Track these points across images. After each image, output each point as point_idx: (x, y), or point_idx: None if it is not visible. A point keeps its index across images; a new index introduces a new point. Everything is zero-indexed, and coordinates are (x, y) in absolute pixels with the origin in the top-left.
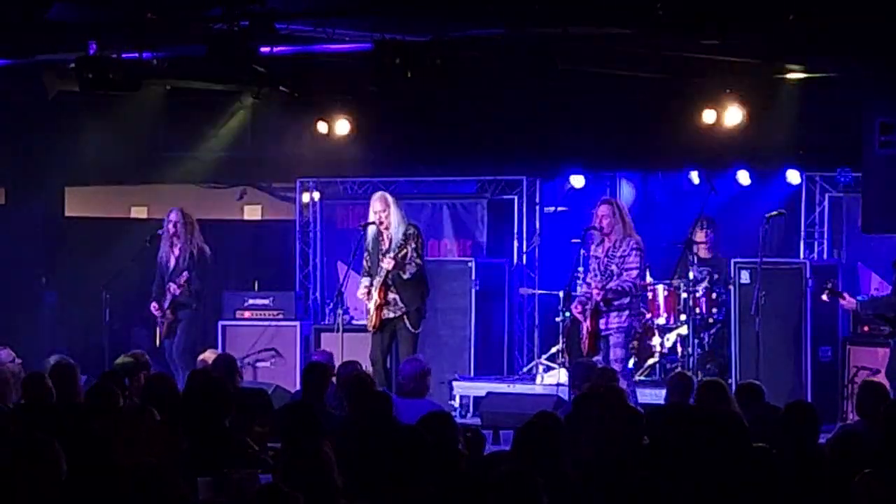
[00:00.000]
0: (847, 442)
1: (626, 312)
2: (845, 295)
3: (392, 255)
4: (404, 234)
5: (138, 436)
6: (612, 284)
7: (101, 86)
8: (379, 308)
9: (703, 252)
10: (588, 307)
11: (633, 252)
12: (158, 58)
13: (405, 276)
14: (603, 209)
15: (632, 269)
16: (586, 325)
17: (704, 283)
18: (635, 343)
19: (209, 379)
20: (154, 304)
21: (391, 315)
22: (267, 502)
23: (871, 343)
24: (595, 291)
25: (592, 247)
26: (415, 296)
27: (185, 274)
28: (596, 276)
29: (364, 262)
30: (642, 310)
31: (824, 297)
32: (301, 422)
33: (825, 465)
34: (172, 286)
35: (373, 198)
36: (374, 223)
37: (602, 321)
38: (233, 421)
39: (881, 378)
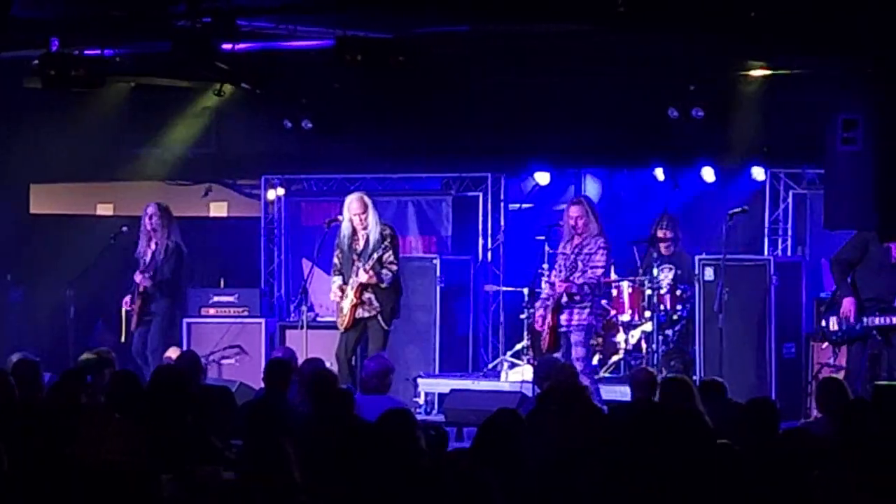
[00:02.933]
0: (794, 439)
1: (588, 310)
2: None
3: (369, 265)
4: (381, 234)
5: (100, 433)
6: (577, 279)
7: (64, 83)
8: (353, 307)
9: (664, 249)
10: (549, 303)
11: (601, 250)
12: (121, 54)
13: (383, 286)
14: (576, 209)
15: (597, 266)
16: (547, 321)
17: (668, 280)
18: (599, 340)
19: (172, 376)
20: (126, 299)
21: (365, 315)
22: (229, 499)
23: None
24: (559, 283)
25: (560, 244)
26: (390, 296)
27: (150, 272)
28: (561, 272)
29: (335, 260)
30: (605, 307)
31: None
32: (262, 419)
33: (786, 461)
34: (138, 276)
35: (350, 198)
36: (337, 220)
37: (563, 317)
38: (196, 418)
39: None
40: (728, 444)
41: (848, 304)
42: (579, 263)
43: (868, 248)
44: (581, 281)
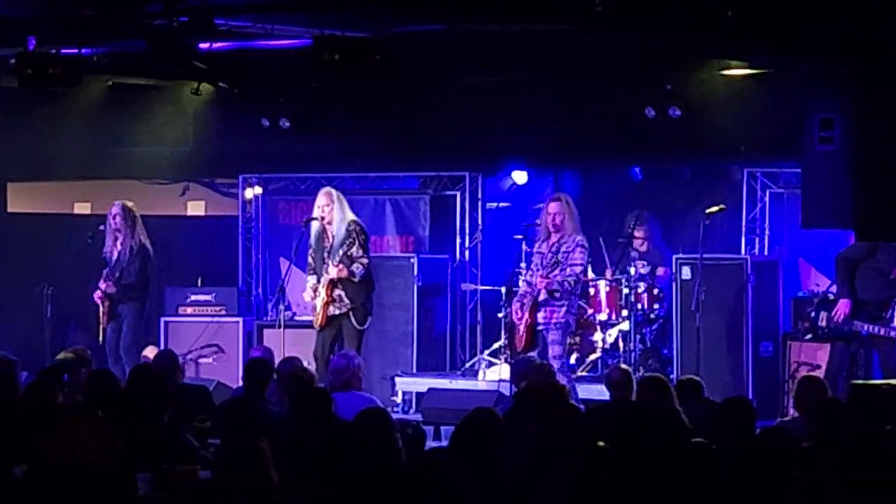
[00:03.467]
0: (773, 438)
1: (564, 309)
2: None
3: (337, 260)
4: (347, 230)
5: (77, 432)
6: (557, 276)
7: (40, 81)
8: (326, 305)
9: (640, 245)
10: (527, 301)
11: (579, 248)
12: (98, 54)
13: (356, 280)
14: (555, 206)
15: (576, 264)
16: (525, 319)
17: (645, 271)
18: (577, 339)
19: (149, 375)
20: (98, 293)
21: (337, 312)
22: (205, 499)
23: (811, 339)
24: (539, 280)
25: (537, 243)
26: (360, 293)
27: (119, 271)
28: (538, 270)
29: (309, 259)
30: (582, 305)
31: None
32: (240, 418)
33: (763, 460)
34: (102, 283)
35: (319, 193)
36: (316, 219)
37: (540, 315)
38: (173, 417)
39: (821, 374)
40: (704, 443)
41: (843, 306)
42: (559, 261)
43: (875, 251)
44: (560, 278)
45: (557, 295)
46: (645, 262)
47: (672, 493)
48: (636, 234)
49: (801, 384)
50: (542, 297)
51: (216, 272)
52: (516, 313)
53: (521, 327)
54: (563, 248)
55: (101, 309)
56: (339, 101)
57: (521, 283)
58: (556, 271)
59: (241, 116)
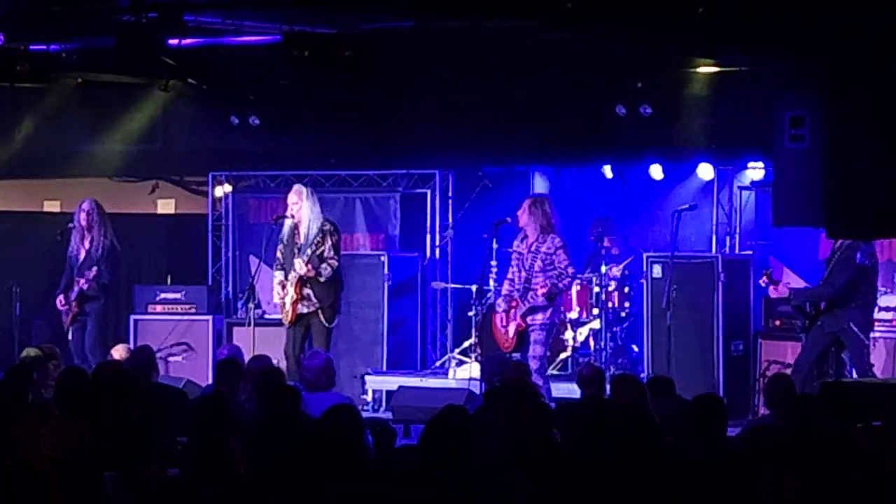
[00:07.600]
0: (757, 436)
1: (551, 310)
2: (780, 283)
3: (306, 258)
4: (319, 229)
5: (43, 429)
6: (555, 281)
7: (8, 78)
8: (294, 303)
9: (612, 249)
10: (518, 308)
11: (560, 250)
12: (67, 50)
13: (321, 280)
14: (521, 209)
15: (564, 265)
16: (516, 323)
17: (617, 276)
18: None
19: (117, 372)
20: (60, 297)
21: (305, 310)
22: (173, 496)
23: (782, 337)
24: (540, 285)
25: (515, 242)
26: (329, 291)
27: (95, 268)
28: (519, 271)
29: (277, 255)
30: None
31: (762, 281)
32: (209, 415)
33: (734, 458)
34: (81, 280)
35: (290, 191)
36: (285, 216)
37: (529, 317)
38: (143, 415)
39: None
40: (675, 441)
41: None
42: (538, 263)
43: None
44: (555, 281)
45: (555, 299)
46: (616, 265)
47: (642, 491)
48: (605, 241)
49: (771, 382)
50: (540, 300)
51: (186, 270)
52: (502, 315)
53: (511, 330)
54: (542, 249)
55: (67, 309)
56: (308, 99)
57: (491, 282)
58: (544, 276)
59: (210, 114)
